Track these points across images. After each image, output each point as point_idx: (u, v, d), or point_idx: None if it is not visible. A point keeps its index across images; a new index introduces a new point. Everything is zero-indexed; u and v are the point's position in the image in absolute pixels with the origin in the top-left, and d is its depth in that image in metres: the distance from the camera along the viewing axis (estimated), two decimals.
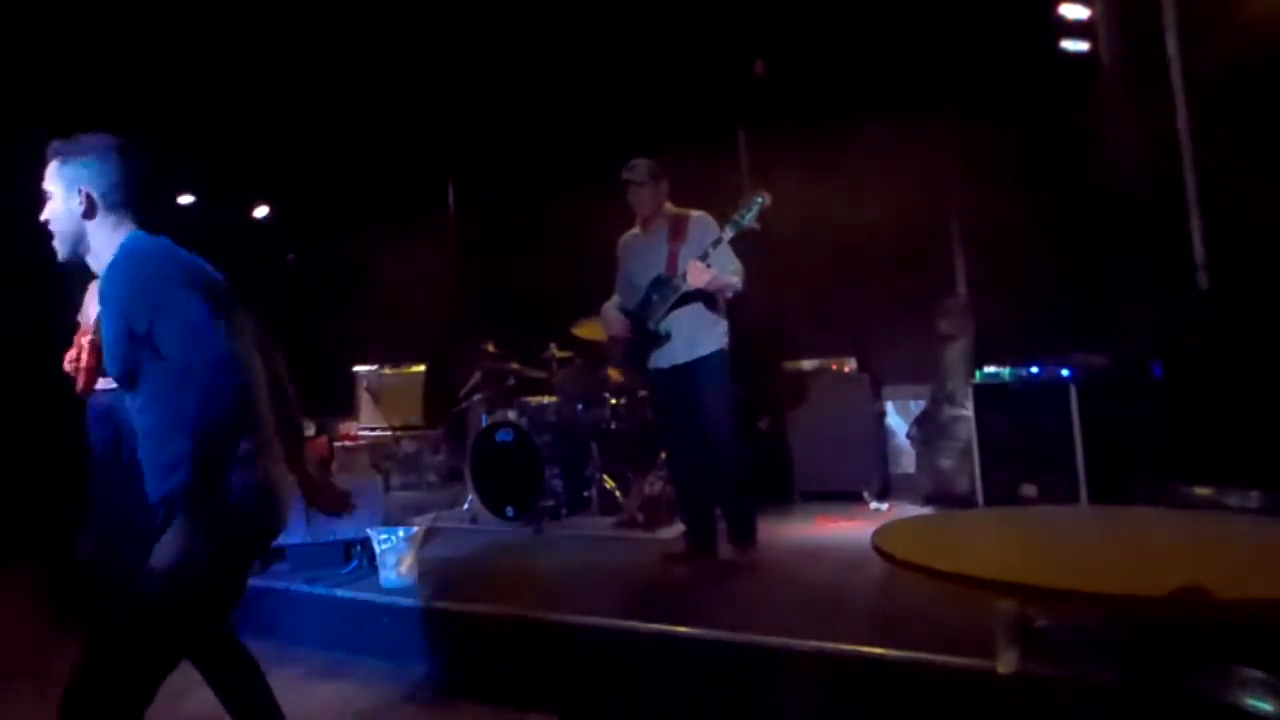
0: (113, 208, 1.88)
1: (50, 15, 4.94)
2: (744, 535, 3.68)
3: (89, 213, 1.86)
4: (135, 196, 1.91)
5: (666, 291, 3.65)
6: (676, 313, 3.64)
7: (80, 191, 1.85)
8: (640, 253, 3.82)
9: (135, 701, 1.71)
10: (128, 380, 1.84)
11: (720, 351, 3.65)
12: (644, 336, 3.72)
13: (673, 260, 3.65)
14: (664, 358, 3.69)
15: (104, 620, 1.75)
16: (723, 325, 3.70)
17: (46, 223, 1.89)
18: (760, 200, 3.49)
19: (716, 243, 3.51)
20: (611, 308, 3.93)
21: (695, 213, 3.74)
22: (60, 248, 1.90)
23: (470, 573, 3.84)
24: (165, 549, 1.71)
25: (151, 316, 1.74)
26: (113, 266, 1.84)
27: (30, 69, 5.03)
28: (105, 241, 1.88)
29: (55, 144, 1.89)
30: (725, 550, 3.71)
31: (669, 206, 3.79)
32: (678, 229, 3.70)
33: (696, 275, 3.48)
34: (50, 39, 4.99)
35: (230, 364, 1.68)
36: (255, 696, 2.09)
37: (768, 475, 5.03)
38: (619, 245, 3.95)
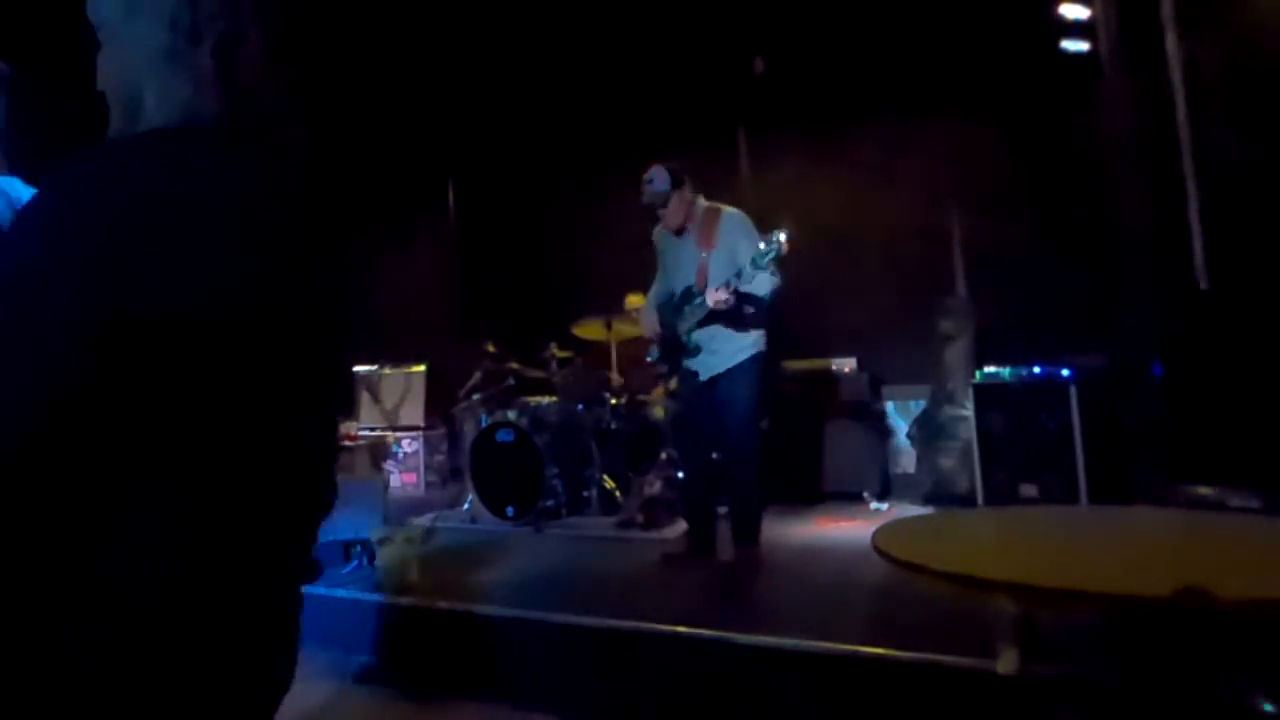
0: None
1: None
2: (748, 535, 3.65)
3: None
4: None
5: (695, 306, 3.61)
6: (709, 328, 3.61)
7: None
8: (673, 255, 3.79)
9: None
10: None
11: (756, 355, 3.60)
12: (675, 342, 3.72)
13: (702, 271, 3.61)
14: (700, 366, 3.66)
15: None
16: (759, 332, 3.63)
17: None
18: (776, 246, 3.31)
19: (740, 273, 3.40)
20: (650, 308, 3.91)
21: (726, 210, 3.64)
22: None
23: (470, 573, 3.84)
24: None
25: None
26: None
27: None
28: None
29: None
30: (726, 549, 3.70)
31: (701, 203, 3.70)
32: (707, 232, 3.63)
33: (717, 299, 3.45)
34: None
35: None
36: None
37: (767, 475, 5.02)
38: (655, 235, 3.90)
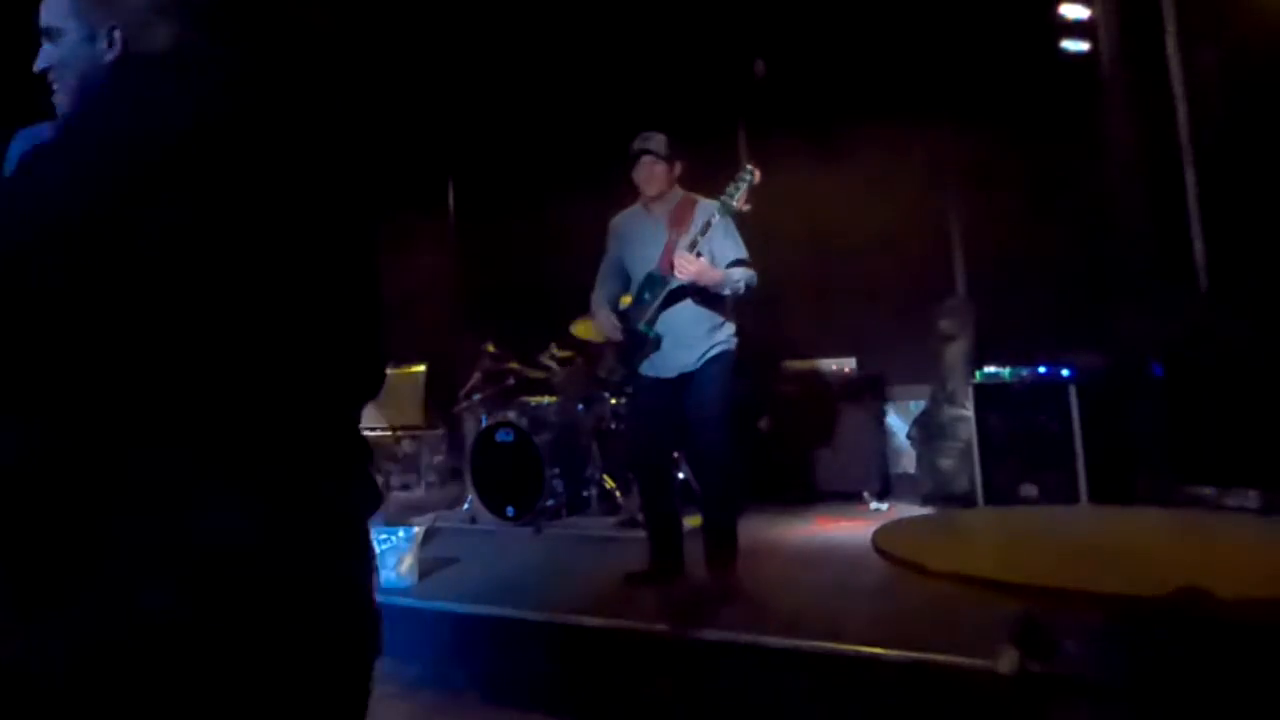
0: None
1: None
2: (723, 558, 3.24)
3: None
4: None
5: (657, 289, 3.21)
6: (671, 313, 3.22)
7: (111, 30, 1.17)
8: (638, 238, 3.36)
9: None
10: None
11: (726, 354, 3.25)
12: (634, 339, 3.27)
13: (668, 253, 3.19)
14: (662, 366, 3.26)
15: None
16: (729, 327, 3.29)
17: (45, 72, 1.22)
18: (748, 177, 3.12)
19: (705, 229, 3.10)
20: (601, 308, 3.41)
21: (704, 199, 3.29)
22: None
23: (470, 573, 3.84)
24: None
25: None
26: None
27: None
28: None
29: None
30: (700, 573, 3.28)
31: (678, 190, 3.37)
32: (680, 215, 3.26)
33: (683, 267, 3.05)
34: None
35: None
36: None
37: (767, 475, 5.03)
38: (611, 224, 3.47)
